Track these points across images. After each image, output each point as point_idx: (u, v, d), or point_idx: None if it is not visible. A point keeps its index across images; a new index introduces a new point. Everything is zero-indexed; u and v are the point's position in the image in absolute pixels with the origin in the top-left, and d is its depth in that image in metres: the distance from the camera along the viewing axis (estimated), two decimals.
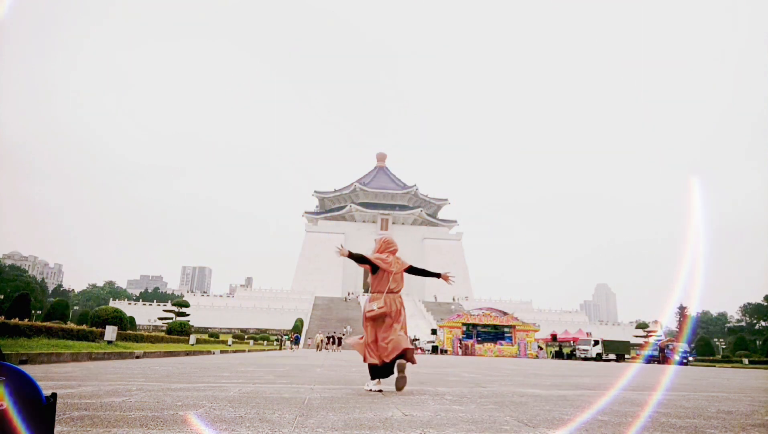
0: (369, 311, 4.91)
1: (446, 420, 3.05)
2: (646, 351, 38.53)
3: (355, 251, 5.15)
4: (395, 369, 4.79)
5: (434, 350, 41.79)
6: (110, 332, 14.62)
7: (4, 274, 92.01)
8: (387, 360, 4.82)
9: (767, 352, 52.95)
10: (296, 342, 47.33)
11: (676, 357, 35.17)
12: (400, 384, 4.79)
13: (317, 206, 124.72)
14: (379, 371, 4.93)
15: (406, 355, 4.81)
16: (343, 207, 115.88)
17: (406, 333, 5.03)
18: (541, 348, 44.48)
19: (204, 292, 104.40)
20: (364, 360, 4.96)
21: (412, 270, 5.47)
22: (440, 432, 2.61)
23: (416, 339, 44.95)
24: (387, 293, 5.01)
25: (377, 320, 4.95)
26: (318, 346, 36.83)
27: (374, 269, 5.13)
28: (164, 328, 40.73)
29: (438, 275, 5.65)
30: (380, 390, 4.83)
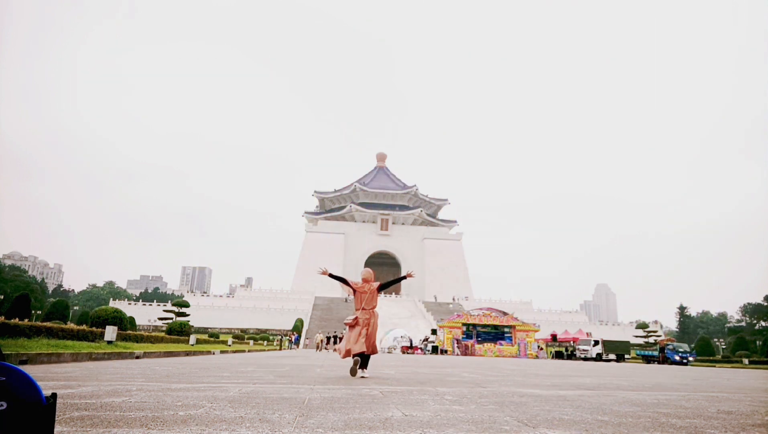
0: (346, 322, 7.40)
1: (446, 420, 3.05)
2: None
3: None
4: (353, 363, 6.97)
5: (434, 350, 41.79)
6: (110, 332, 14.63)
7: (4, 274, 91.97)
8: (363, 351, 6.98)
9: (767, 352, 52.95)
10: (295, 341, 47.32)
11: (676, 357, 35.15)
12: (353, 372, 6.96)
13: (317, 206, 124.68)
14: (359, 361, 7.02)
15: (364, 354, 7.04)
16: (343, 207, 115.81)
17: (374, 335, 7.17)
18: (541, 348, 44.44)
19: (204, 292, 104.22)
20: (343, 357, 7.19)
21: (384, 286, 7.52)
22: (440, 432, 2.62)
23: (425, 339, 45.06)
24: (362, 310, 7.25)
25: (353, 328, 7.22)
26: (318, 346, 36.83)
27: (354, 290, 7.40)
28: (164, 328, 40.72)
29: (404, 277, 7.84)
30: (363, 376, 6.88)
